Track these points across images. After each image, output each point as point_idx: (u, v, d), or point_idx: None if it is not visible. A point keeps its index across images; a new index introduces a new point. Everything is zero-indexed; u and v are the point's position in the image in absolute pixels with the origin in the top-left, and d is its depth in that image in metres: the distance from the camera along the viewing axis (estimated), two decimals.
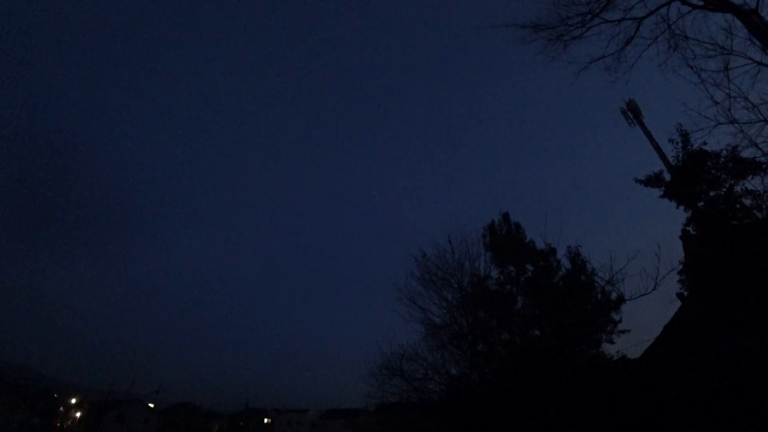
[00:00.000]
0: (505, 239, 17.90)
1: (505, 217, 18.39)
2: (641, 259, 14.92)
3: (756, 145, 8.56)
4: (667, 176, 14.35)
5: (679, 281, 13.88)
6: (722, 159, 12.83)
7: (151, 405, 62.78)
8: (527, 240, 17.88)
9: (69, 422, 60.89)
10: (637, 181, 15.33)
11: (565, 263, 16.57)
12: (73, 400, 64.12)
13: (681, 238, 12.79)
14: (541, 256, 17.17)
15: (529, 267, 17.19)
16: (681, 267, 12.98)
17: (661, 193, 14.39)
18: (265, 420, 67.48)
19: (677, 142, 14.15)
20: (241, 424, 66.59)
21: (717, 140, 11.89)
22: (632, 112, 16.10)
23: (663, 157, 14.32)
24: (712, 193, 12.94)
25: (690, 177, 13.27)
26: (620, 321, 15.62)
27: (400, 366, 18.57)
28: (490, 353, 17.31)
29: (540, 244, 17.23)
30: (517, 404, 14.21)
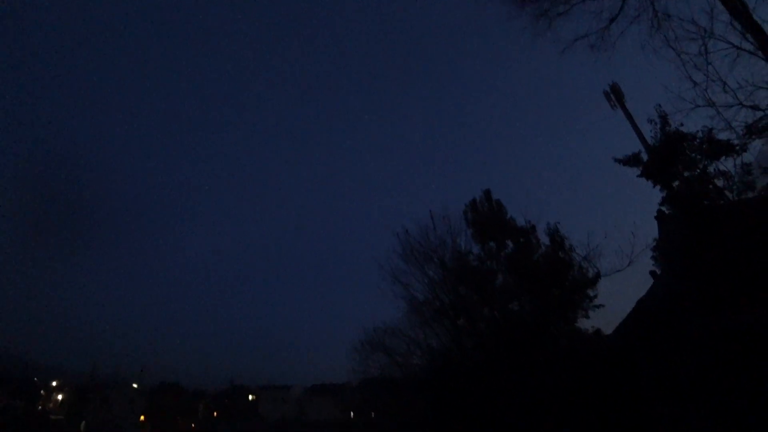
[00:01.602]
0: (487, 216, 18.09)
1: (487, 194, 18.51)
2: (617, 237, 15.40)
3: (732, 127, 8.74)
4: (646, 157, 14.69)
5: (652, 257, 14.41)
6: (698, 140, 13.17)
7: (135, 386, 62.65)
8: (508, 217, 18.11)
9: (51, 405, 60.53)
10: (616, 160, 15.61)
11: (545, 240, 16.91)
12: (55, 383, 63.60)
13: (656, 218, 13.16)
14: (521, 233, 17.43)
15: (510, 243, 17.47)
16: (655, 246, 13.48)
17: (639, 172, 14.74)
18: (250, 397, 68.36)
19: (656, 123, 14.43)
20: (227, 401, 67.33)
21: (694, 123, 12.21)
22: (615, 95, 16.26)
23: (642, 139, 14.64)
24: (687, 174, 13.34)
25: (666, 157, 13.59)
26: (596, 296, 16.16)
27: (383, 341, 18.95)
28: (471, 328, 17.69)
29: (521, 221, 17.50)
30: (497, 378, 14.61)
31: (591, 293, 16.09)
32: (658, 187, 13.92)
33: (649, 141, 14.25)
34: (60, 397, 64.40)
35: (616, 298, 15.87)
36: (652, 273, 13.05)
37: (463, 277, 17.63)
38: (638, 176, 14.63)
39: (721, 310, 8.91)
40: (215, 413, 67.75)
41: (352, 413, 39.24)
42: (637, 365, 10.79)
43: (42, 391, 62.52)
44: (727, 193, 12.69)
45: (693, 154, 13.40)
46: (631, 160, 14.96)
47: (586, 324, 15.82)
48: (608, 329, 14.45)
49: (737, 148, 12.17)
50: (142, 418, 57.50)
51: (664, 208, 13.57)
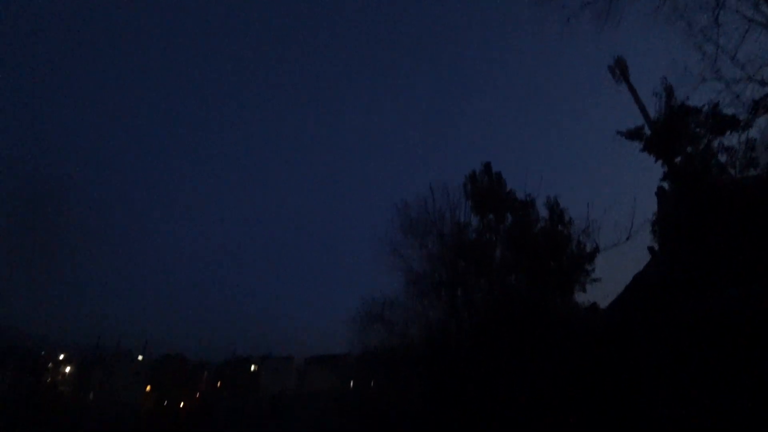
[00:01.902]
0: (486, 189, 17.97)
1: (487, 166, 18.31)
2: (617, 212, 15.40)
3: (739, 98, 8.57)
4: (649, 132, 14.46)
5: (651, 231, 14.45)
6: (703, 115, 12.93)
7: (140, 358, 63.95)
8: (508, 190, 18.00)
9: (60, 377, 62.14)
10: (619, 133, 15.38)
11: (544, 213, 16.87)
12: (61, 357, 65.30)
13: (656, 193, 13.12)
14: (521, 206, 17.37)
15: (509, 216, 17.45)
16: (654, 221, 13.50)
17: (642, 147, 14.57)
18: (252, 367, 70.04)
19: (661, 96, 14.12)
20: (229, 372, 69.02)
21: (700, 97, 12.00)
22: (620, 69, 15.91)
23: (645, 114, 14.38)
24: (690, 149, 13.18)
25: (670, 131, 13.39)
26: (593, 271, 16.30)
27: (381, 313, 19.29)
28: (469, 301, 17.85)
29: (520, 194, 17.41)
30: (493, 350, 14.86)
31: (588, 267, 16.21)
32: (660, 162, 13.82)
33: (653, 116, 14.02)
34: (67, 369, 66.14)
35: (613, 273, 16.02)
36: (650, 249, 13.11)
37: (462, 250, 17.70)
38: (641, 151, 14.45)
39: (718, 287, 8.98)
40: (218, 383, 69.61)
41: (351, 383, 40.18)
42: (631, 340, 10.95)
43: (50, 365, 64.21)
44: (729, 169, 12.60)
45: (697, 129, 13.18)
46: (634, 134, 14.72)
47: (583, 298, 16.02)
48: (605, 303, 14.66)
49: (743, 123, 11.97)
50: (148, 388, 58.97)
51: (664, 184, 13.51)
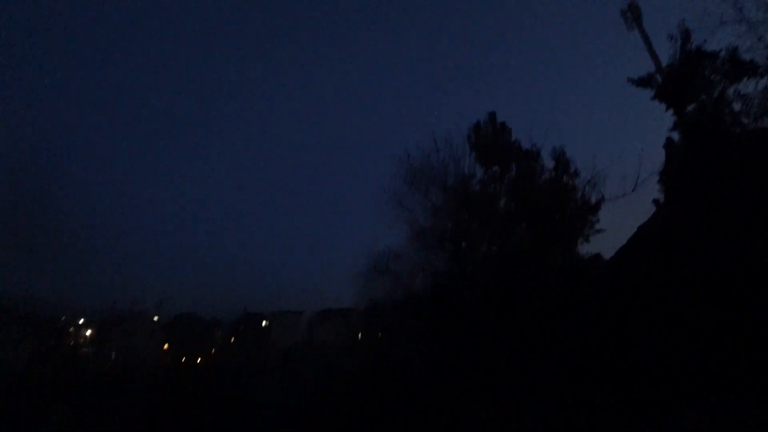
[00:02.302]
0: (491, 139, 17.65)
1: (492, 116, 17.87)
2: (624, 163, 15.11)
3: (761, 40, 8.04)
4: (661, 79, 13.84)
5: (658, 181, 14.29)
6: (720, 60, 12.30)
7: (156, 318, 66.21)
8: (513, 140, 17.66)
9: (81, 340, 64.99)
10: (630, 81, 14.77)
11: (550, 164, 16.63)
12: (81, 321, 68.27)
13: (664, 145, 12.81)
14: (526, 156, 17.12)
15: (514, 167, 17.28)
16: (661, 173, 13.28)
17: (653, 95, 14.02)
18: (263, 323, 72.67)
19: (676, 40, 13.37)
20: (241, 328, 71.73)
21: (718, 42, 11.36)
22: (632, 14, 14.95)
23: (658, 62, 13.72)
24: (703, 97, 12.66)
25: (684, 77, 12.80)
26: (597, 222, 16.29)
27: (387, 265, 19.49)
28: (473, 252, 18.04)
29: (526, 144, 17.12)
30: (497, 299, 15.18)
31: (593, 219, 16.21)
32: (670, 111, 13.34)
33: (667, 62, 13.36)
34: (88, 332, 69.23)
35: (618, 224, 16.05)
36: (656, 201, 13.01)
37: (466, 201, 17.70)
38: (651, 99, 13.91)
39: (722, 241, 8.94)
40: (232, 339, 72.57)
41: (360, 334, 41.70)
42: (633, 290, 11.10)
43: (71, 329, 67.09)
44: (743, 119, 12.16)
45: (712, 75, 12.59)
46: (646, 81, 14.11)
47: (586, 248, 16.15)
48: (609, 254, 14.79)
49: (761, 69, 11.44)
50: (165, 346, 61.56)
51: (673, 135, 13.13)
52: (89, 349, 61.05)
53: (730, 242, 8.47)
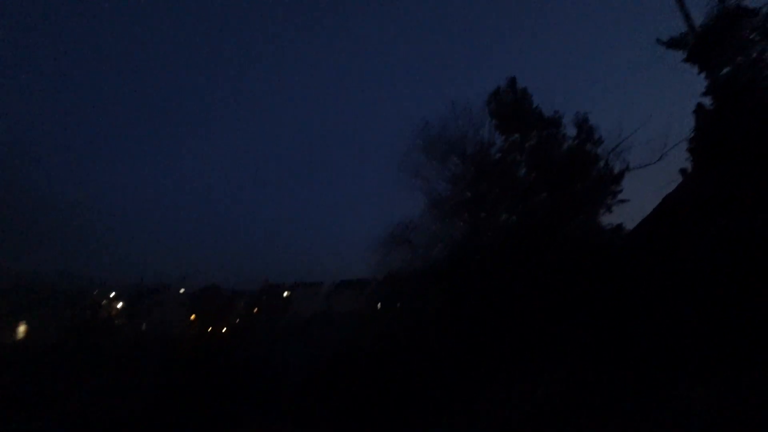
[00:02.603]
0: (511, 106, 17.16)
1: (512, 82, 17.29)
2: (650, 130, 14.46)
3: None
4: (694, 40, 12.95)
5: (687, 150, 13.70)
6: (761, 18, 11.40)
7: (182, 290, 68.69)
8: (534, 106, 17.13)
9: (114, 312, 68.47)
10: (659, 42, 13.90)
11: (572, 132, 16.11)
12: (112, 294, 72.09)
13: (694, 111, 12.16)
14: (547, 124, 16.67)
15: (535, 135, 16.85)
16: (690, 141, 12.70)
17: (685, 56, 13.20)
18: (284, 294, 74.85)
19: None
20: (264, 299, 74.12)
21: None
22: None
23: (690, 22, 12.82)
24: (739, 59, 11.85)
25: (719, 37, 11.94)
26: (620, 192, 15.87)
27: (405, 235, 19.61)
28: (491, 221, 18.01)
29: (548, 111, 16.60)
30: (515, 268, 15.18)
31: (615, 188, 15.80)
32: (702, 75, 12.58)
33: (701, 22, 12.46)
34: (119, 305, 73.02)
35: (642, 194, 15.62)
36: (683, 170, 12.51)
37: (485, 170, 17.53)
38: (683, 61, 13.10)
39: (752, 214, 8.61)
40: (255, 310, 75.22)
41: (378, 305, 42.55)
42: (655, 261, 10.89)
43: (103, 302, 70.96)
44: None
45: (751, 35, 11.73)
46: (677, 42, 13.23)
47: (608, 219, 15.84)
48: (631, 225, 14.47)
49: None
50: (192, 317, 64.14)
51: (705, 101, 12.44)
52: (121, 321, 64.40)
53: (762, 215, 8.14)
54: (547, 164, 16.18)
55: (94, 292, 72.39)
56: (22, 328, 54.34)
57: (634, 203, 15.36)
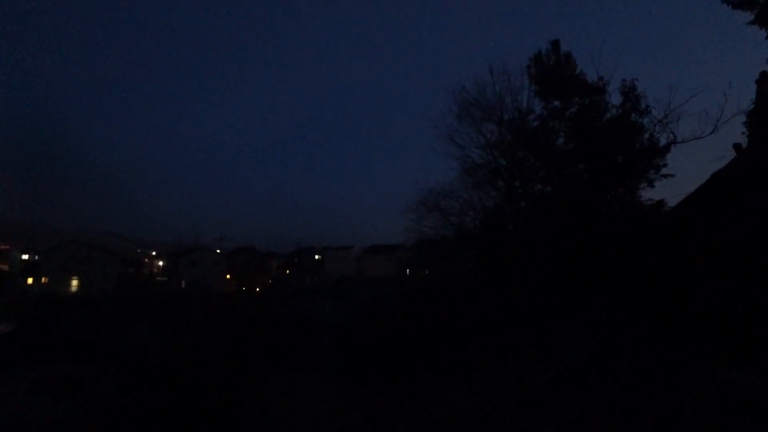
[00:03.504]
0: (553, 70, 16.34)
1: (555, 45, 16.43)
2: (705, 99, 13.52)
3: None
4: None
5: (744, 123, 12.77)
6: None
7: (218, 251, 72.02)
8: (578, 71, 16.26)
9: (155, 270, 73.08)
10: (725, 2, 12.71)
11: (617, 100, 15.36)
12: (153, 253, 76.88)
13: (757, 80, 11.22)
14: (591, 90, 15.84)
15: (577, 102, 16.12)
16: (749, 113, 11.79)
17: (752, 17, 12.00)
18: (316, 257, 77.16)
19: None
20: (296, 261, 76.82)
21: None
22: None
23: None
24: None
25: None
26: (665, 165, 15.18)
27: (437, 202, 19.47)
28: (526, 190, 17.70)
29: (592, 77, 15.68)
30: (548, 239, 15.06)
31: (660, 162, 15.10)
32: None
33: None
34: (161, 263, 77.83)
35: (688, 169, 14.87)
36: (736, 146, 11.68)
37: (522, 138, 17.04)
38: (749, 23, 11.95)
39: None
40: (287, 271, 78.15)
41: (408, 270, 43.32)
42: (696, 242, 10.55)
43: (146, 260, 75.83)
44: None
45: None
46: (746, 2, 12.04)
47: (650, 193, 15.25)
48: (674, 201, 13.90)
49: None
50: (228, 276, 67.42)
51: None
52: (163, 278, 68.64)
53: None
54: (587, 134, 15.58)
55: (137, 251, 77.25)
56: (74, 282, 59.09)
57: (680, 178, 14.60)
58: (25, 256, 76.00)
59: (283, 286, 58.88)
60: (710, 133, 12.87)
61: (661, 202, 14.73)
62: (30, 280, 61.45)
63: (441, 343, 15.66)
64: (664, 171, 14.88)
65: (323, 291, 45.55)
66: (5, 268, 69.16)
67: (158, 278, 67.79)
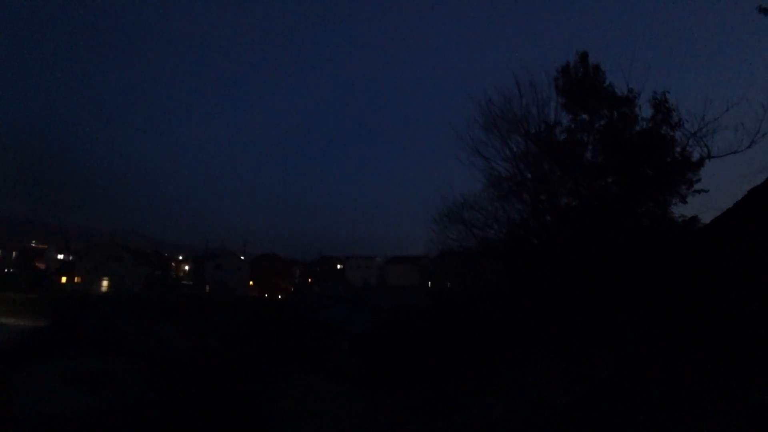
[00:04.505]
0: (581, 82, 16.15)
1: (583, 57, 16.26)
2: (741, 111, 13.17)
3: None
4: None
5: None
6: None
7: (242, 257, 73.50)
8: (606, 83, 16.06)
9: (181, 273, 75.30)
10: (761, 11, 12.44)
11: (648, 113, 15.10)
12: (180, 257, 79.55)
13: None
14: (620, 102, 15.59)
15: (606, 114, 15.89)
16: None
17: None
18: (338, 266, 77.75)
19: None
20: (318, 269, 77.59)
21: None
22: None
23: None
24: None
25: None
26: (698, 180, 14.81)
27: (461, 214, 19.16)
28: (552, 204, 17.44)
29: (621, 89, 15.44)
30: (575, 253, 14.80)
31: (693, 177, 14.74)
32: None
33: None
34: (186, 267, 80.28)
35: (724, 185, 14.39)
36: None
37: (549, 150, 16.84)
38: None
39: None
40: (309, 279, 78.99)
41: (429, 282, 43.04)
42: (731, 260, 10.23)
43: (173, 263, 78.41)
44: None
45: None
46: None
47: (681, 209, 14.86)
48: (708, 218, 13.48)
49: None
50: (251, 282, 68.54)
51: None
52: (188, 282, 70.57)
53: None
54: (617, 147, 15.37)
55: (165, 254, 79.79)
56: (105, 283, 61.42)
57: (714, 194, 14.14)
58: (60, 256, 79.63)
59: (305, 293, 59.45)
60: (747, 148, 12.52)
61: (694, 218, 14.36)
62: (64, 279, 64.18)
63: (463, 352, 15.54)
64: (697, 186, 14.51)
65: (345, 298, 45.72)
66: (42, 267, 72.53)
67: (184, 282, 69.68)
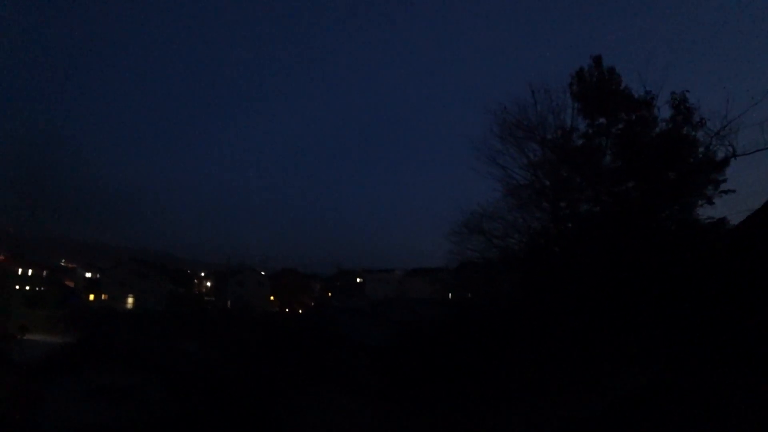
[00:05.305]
0: (596, 87, 15.95)
1: (597, 61, 16.05)
2: (767, 105, 12.68)
3: None
4: None
5: None
6: None
7: (263, 273, 74.41)
8: (622, 86, 15.77)
9: (203, 289, 76.70)
10: None
11: (667, 113, 14.75)
12: (203, 273, 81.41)
13: None
14: (638, 105, 15.37)
15: (623, 117, 15.62)
16: None
17: None
18: (357, 279, 77.77)
19: None
20: (338, 283, 77.80)
21: None
22: None
23: None
24: None
25: None
26: (723, 181, 14.32)
27: (480, 224, 18.94)
28: (572, 211, 17.16)
29: (638, 91, 15.20)
30: (597, 261, 14.41)
31: (719, 177, 14.25)
32: None
33: None
34: (209, 283, 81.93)
35: (753, 184, 13.85)
36: None
37: (566, 157, 16.64)
38: None
39: None
40: (329, 293, 79.23)
41: (449, 294, 42.52)
42: (765, 263, 9.78)
43: (195, 280, 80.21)
44: None
45: None
46: None
47: (709, 211, 14.34)
48: (737, 219, 12.97)
49: None
50: (272, 297, 69.13)
51: None
52: (211, 298, 71.78)
53: None
54: (636, 150, 15.05)
55: (187, 271, 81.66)
56: (130, 299, 63.01)
57: (742, 194, 13.64)
58: (88, 274, 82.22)
59: (325, 307, 59.52)
60: None
61: (722, 220, 13.85)
62: (92, 297, 66.10)
63: (486, 365, 15.21)
64: (723, 186, 14.06)
65: (364, 312, 45.54)
66: (71, 284, 75.00)
67: (206, 298, 70.88)
